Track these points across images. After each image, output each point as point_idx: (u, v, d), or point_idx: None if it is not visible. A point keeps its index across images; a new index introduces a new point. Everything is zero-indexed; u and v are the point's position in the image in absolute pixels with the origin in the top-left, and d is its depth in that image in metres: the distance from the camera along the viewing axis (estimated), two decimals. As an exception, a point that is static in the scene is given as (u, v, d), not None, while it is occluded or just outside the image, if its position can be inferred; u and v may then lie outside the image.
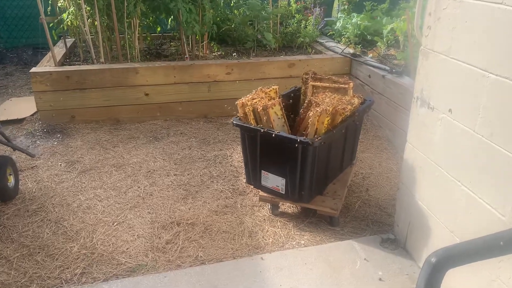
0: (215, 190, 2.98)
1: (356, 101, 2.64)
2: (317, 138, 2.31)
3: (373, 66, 3.95)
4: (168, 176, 3.15)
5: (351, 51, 4.50)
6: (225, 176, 3.15)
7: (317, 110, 2.35)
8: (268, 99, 2.71)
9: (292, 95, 3.01)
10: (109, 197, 2.87)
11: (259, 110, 2.49)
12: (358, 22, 4.77)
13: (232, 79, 4.12)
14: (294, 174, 2.45)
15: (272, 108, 2.51)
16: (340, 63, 4.31)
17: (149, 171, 3.21)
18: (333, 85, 2.80)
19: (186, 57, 4.33)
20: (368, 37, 4.93)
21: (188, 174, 3.17)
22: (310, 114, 2.38)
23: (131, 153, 3.48)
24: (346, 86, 2.76)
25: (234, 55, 4.33)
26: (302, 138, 2.30)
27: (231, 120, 2.57)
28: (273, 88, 2.78)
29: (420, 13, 2.08)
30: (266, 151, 2.52)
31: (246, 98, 2.60)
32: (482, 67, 1.67)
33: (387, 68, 3.82)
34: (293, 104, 2.96)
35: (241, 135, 2.63)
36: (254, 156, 2.58)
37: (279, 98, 2.79)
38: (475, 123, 1.73)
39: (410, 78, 3.65)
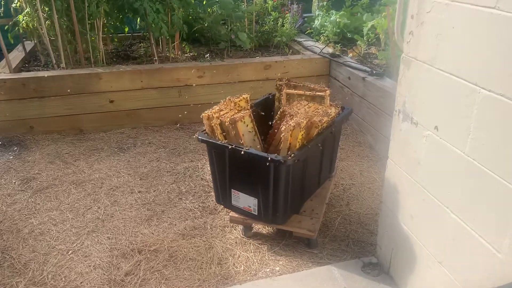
0: (183, 208, 2.73)
1: (333, 111, 2.41)
2: (290, 156, 2.08)
3: (353, 68, 3.73)
4: (132, 193, 2.89)
5: (331, 50, 4.27)
6: (195, 192, 2.90)
7: (290, 124, 2.12)
8: (238, 110, 2.46)
9: (265, 103, 2.77)
10: (65, 220, 2.60)
11: (226, 123, 2.25)
12: (337, 20, 4.54)
13: (204, 82, 3.86)
14: (267, 194, 2.21)
15: (242, 121, 2.27)
16: (319, 64, 4.08)
17: (112, 188, 2.94)
18: (309, 93, 2.57)
19: (155, 60, 4.05)
20: (348, 35, 4.71)
21: (154, 191, 2.92)
22: (283, 129, 2.15)
23: (93, 167, 3.21)
24: (323, 94, 2.54)
25: (207, 57, 4.07)
26: (273, 156, 2.07)
27: (196, 135, 2.32)
28: (243, 97, 2.54)
29: (400, 15, 1.87)
30: (235, 169, 2.28)
31: (213, 110, 2.35)
32: (472, 81, 1.45)
33: (367, 69, 3.60)
34: (266, 114, 2.72)
35: (208, 151, 2.39)
36: (223, 174, 2.33)
37: (250, 107, 2.55)
38: (465, 144, 1.52)
39: (392, 80, 3.44)
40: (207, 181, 3.02)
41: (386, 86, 3.27)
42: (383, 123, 3.28)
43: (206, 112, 2.33)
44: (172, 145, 3.55)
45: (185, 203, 2.78)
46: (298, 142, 2.15)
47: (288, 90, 2.63)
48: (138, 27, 4.68)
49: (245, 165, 2.21)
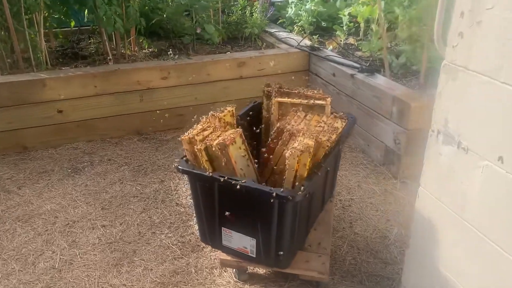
0: (158, 246, 2.25)
1: (339, 124, 2.00)
2: (299, 189, 1.65)
3: (338, 63, 3.34)
4: (93, 229, 2.37)
5: (308, 42, 3.85)
6: (170, 223, 2.43)
7: (297, 149, 1.69)
8: (224, 127, 2.01)
9: (251, 113, 2.32)
10: (10, 273, 2.07)
11: (214, 149, 1.79)
12: (312, 8, 4.12)
13: (170, 84, 3.35)
14: (269, 233, 1.79)
15: (233, 144, 1.81)
16: (297, 59, 3.66)
17: (68, 223, 2.41)
18: (306, 101, 2.14)
19: (109, 59, 3.48)
20: (323, 23, 4.31)
21: (120, 224, 2.41)
22: (287, 155, 1.71)
23: (43, 195, 2.65)
24: (323, 102, 2.12)
25: (170, 54, 3.54)
26: (278, 191, 1.64)
27: (175, 164, 1.84)
28: (229, 111, 2.08)
29: (443, 11, 1.47)
30: (227, 205, 1.83)
31: (194, 131, 1.88)
32: None
33: (355, 65, 3.22)
34: (253, 125, 2.28)
35: (190, 183, 1.92)
36: (211, 210, 1.88)
37: (237, 120, 2.10)
38: (551, 184, 1.15)
39: (385, 77, 3.08)
40: (183, 207, 2.55)
41: (380, 85, 2.90)
42: (377, 125, 2.92)
43: (186, 134, 1.85)
44: (136, 161, 3.04)
45: (160, 238, 2.30)
46: (306, 169, 1.73)
47: (280, 99, 2.19)
48: (86, 19, 4.05)
49: (240, 200, 1.77)
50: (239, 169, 1.83)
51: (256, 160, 2.09)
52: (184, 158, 1.88)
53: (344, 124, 2.01)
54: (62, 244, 2.26)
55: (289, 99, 2.17)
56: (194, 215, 2.09)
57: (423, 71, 3.04)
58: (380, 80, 2.99)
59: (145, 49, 3.91)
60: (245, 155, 1.90)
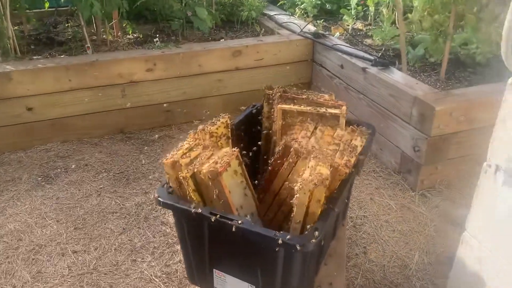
0: (139, 279, 1.90)
1: (358, 141, 1.63)
2: (311, 236, 1.29)
3: (347, 54, 2.94)
4: (63, 255, 2.02)
5: (312, 28, 3.44)
6: (154, 247, 2.07)
7: (308, 182, 1.32)
8: (216, 143, 1.64)
9: (249, 120, 1.95)
10: (-41, 318, 1.71)
11: (203, 178, 1.42)
12: (317, -11, 3.69)
13: (156, 77, 2.95)
14: (271, 282, 1.44)
15: (227, 171, 1.44)
16: (300, 47, 3.25)
17: (33, 248, 2.05)
18: (316, 110, 1.77)
19: (87, 47, 3.06)
20: (328, 6, 3.89)
21: (95, 249, 2.06)
22: (296, 188, 1.34)
23: (6, 211, 2.28)
24: (338, 111, 1.74)
25: (157, 41, 3.12)
26: (285, 237, 1.27)
27: (155, 195, 1.47)
28: (222, 122, 1.70)
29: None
30: (220, 246, 1.47)
31: (179, 151, 1.50)
32: None
33: (369, 57, 2.82)
34: (249, 135, 1.91)
35: (175, 217, 1.55)
36: (200, 250, 1.52)
37: (232, 131, 1.73)
38: None
39: (402, 71, 2.69)
40: (170, 226, 2.19)
41: (397, 82, 2.52)
42: (392, 128, 2.55)
43: (169, 156, 1.48)
44: (117, 166, 2.66)
45: (141, 268, 1.95)
46: (321, 205, 1.36)
47: (284, 105, 1.81)
48: (62, 0, 3.60)
49: (237, 242, 1.41)
50: (235, 202, 1.46)
51: (256, 181, 1.73)
52: (167, 185, 1.51)
53: (365, 141, 1.63)
54: (24, 276, 1.90)
55: (296, 107, 1.79)
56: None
57: (444, 65, 2.65)
58: (397, 76, 2.60)
59: (129, 34, 3.49)
60: (243, 181, 1.53)
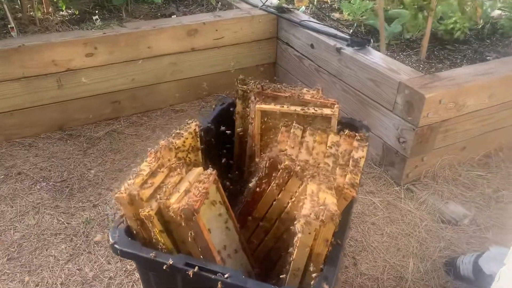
0: (94, 322, 1.56)
1: (359, 153, 1.34)
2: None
3: (318, 31, 2.62)
4: (-5, 298, 1.63)
5: (275, 1, 3.08)
6: (110, 277, 1.72)
7: (314, 218, 1.02)
8: (183, 158, 1.30)
9: (221, 122, 1.61)
10: None
11: (174, 217, 1.08)
12: (276, -44, 3.30)
13: (98, 63, 2.50)
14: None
15: (204, 203, 1.11)
16: (263, 24, 2.89)
17: (-46, 291, 1.65)
18: (302, 110, 1.46)
19: (11, 28, 2.54)
20: (288, -25, 3.51)
21: (35, 284, 1.68)
22: (298, 227, 1.04)
23: None
24: (329, 112, 1.44)
25: (97, 20, 2.65)
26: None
27: (109, 240, 1.12)
28: (190, 133, 1.36)
29: None
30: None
31: (138, 178, 1.15)
32: None
33: (342, 35, 2.52)
34: (221, 141, 1.59)
35: (138, 268, 1.22)
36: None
37: (201, 137, 1.39)
38: None
39: (381, 52, 2.43)
40: (127, 248, 1.84)
41: (377, 64, 2.25)
42: (372, 116, 2.30)
43: (124, 187, 1.12)
44: (58, 173, 2.24)
45: (96, 308, 1.61)
46: (328, 245, 1.07)
47: (263, 106, 1.48)
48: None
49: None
50: (216, 242, 1.14)
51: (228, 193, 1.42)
52: (123, 222, 1.17)
53: (365, 150, 1.35)
54: None
55: (278, 107, 1.47)
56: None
57: (425, 44, 2.41)
58: (376, 57, 2.33)
59: (62, 11, 2.97)
60: (223, 211, 1.21)
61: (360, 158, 1.29)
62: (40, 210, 2.01)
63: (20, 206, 2.03)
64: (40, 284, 1.68)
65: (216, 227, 1.16)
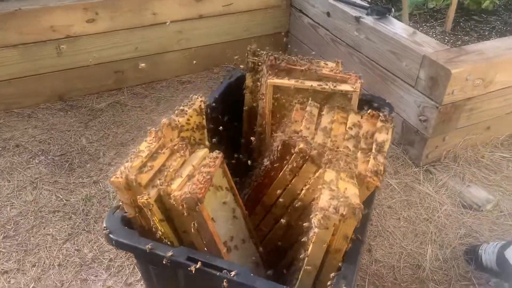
0: (93, 307, 1.48)
1: (383, 135, 1.20)
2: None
3: (335, -2, 2.44)
4: (-11, 278, 1.55)
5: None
6: (110, 259, 1.63)
7: (333, 212, 0.90)
8: (188, 138, 1.17)
9: (228, 96, 1.48)
10: None
11: (175, 204, 0.96)
12: None
13: (99, 29, 2.35)
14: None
15: (209, 190, 0.99)
16: (274, -12, 2.71)
17: None
18: (319, 85, 1.31)
19: (8, -10, 2.38)
20: None
21: (32, 265, 1.60)
22: (315, 221, 0.92)
23: None
24: (350, 88, 1.30)
25: (98, -18, 2.49)
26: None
27: (104, 229, 1.01)
28: (194, 110, 1.22)
29: None
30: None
31: (136, 160, 1.03)
32: None
33: (362, 3, 2.34)
34: (228, 114, 1.46)
35: (137, 261, 1.11)
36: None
37: (207, 113, 1.27)
38: None
39: (404, 22, 2.25)
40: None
41: (400, 36, 2.08)
42: (391, 91, 2.15)
43: (120, 170, 1.00)
44: (58, 146, 2.14)
45: (95, 291, 1.53)
46: (348, 241, 0.96)
47: (276, 80, 1.34)
48: None
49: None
50: (222, 233, 1.03)
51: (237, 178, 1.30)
52: (120, 208, 1.05)
53: (390, 132, 1.21)
54: None
55: (292, 82, 1.33)
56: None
57: (451, 15, 2.23)
58: (398, 28, 2.15)
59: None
60: (229, 198, 1.09)
61: (385, 142, 1.15)
62: (38, 185, 1.92)
63: (18, 181, 1.93)
64: (37, 264, 1.60)
65: (222, 216, 1.05)
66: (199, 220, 0.96)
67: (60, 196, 1.87)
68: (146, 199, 0.96)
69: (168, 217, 1.01)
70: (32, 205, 1.83)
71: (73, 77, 2.41)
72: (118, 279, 1.56)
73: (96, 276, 1.58)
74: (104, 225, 1.00)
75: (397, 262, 1.69)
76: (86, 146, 2.14)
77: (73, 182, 1.94)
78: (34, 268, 1.59)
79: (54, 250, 1.65)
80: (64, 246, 1.67)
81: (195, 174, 1.01)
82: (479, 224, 1.84)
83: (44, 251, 1.65)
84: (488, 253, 1.62)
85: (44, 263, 1.61)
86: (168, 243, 1.01)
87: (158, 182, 0.99)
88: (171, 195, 0.96)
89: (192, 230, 0.97)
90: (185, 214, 0.95)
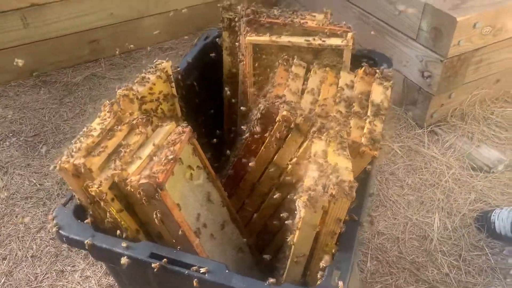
0: (69, 301, 1.35)
1: (380, 95, 1.02)
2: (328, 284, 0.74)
3: None
4: (-44, 276, 1.42)
5: None
6: (88, 248, 1.49)
7: (321, 193, 0.74)
8: (152, 110, 1.00)
9: (204, 60, 1.29)
10: None
11: (136, 193, 0.80)
12: None
13: (67, -4, 2.14)
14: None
15: (173, 174, 0.83)
16: None
17: None
18: (306, 41, 1.13)
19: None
20: None
21: (4, 259, 1.47)
22: (299, 203, 0.76)
23: None
24: (341, 43, 1.11)
25: None
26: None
27: (53, 226, 0.85)
28: (158, 76, 1.05)
29: None
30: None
31: (86, 140, 0.86)
32: None
33: (354, -51, 2.10)
34: (205, 84, 1.28)
35: (102, 262, 0.96)
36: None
37: (176, 80, 1.10)
38: None
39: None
40: (108, 212, 1.60)
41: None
42: (391, 45, 1.95)
43: (64, 157, 0.84)
44: (30, 126, 1.97)
45: (72, 283, 1.39)
46: (341, 225, 0.80)
47: (255, 37, 1.16)
48: None
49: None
50: (192, 222, 0.87)
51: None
52: (71, 199, 0.90)
53: (389, 92, 1.03)
54: None
55: (274, 38, 1.14)
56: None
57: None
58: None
59: None
60: (202, 179, 0.93)
61: (382, 103, 0.97)
62: (9, 170, 1.76)
63: (-13, 165, 1.78)
64: (8, 257, 1.47)
65: (193, 201, 0.89)
66: (162, 209, 0.80)
67: (34, 180, 1.72)
68: (98, 188, 0.80)
69: (128, 205, 0.86)
70: (3, 191, 1.68)
71: (44, 50, 2.21)
72: (97, 268, 1.43)
73: (73, 266, 1.44)
74: (53, 219, 0.85)
75: (401, 233, 1.55)
76: (61, 125, 1.98)
77: (47, 165, 1.78)
78: (5, 262, 1.45)
79: (27, 240, 1.52)
80: (38, 235, 1.53)
81: (157, 154, 0.85)
82: (490, 188, 1.68)
83: (16, 242, 1.51)
84: (501, 219, 1.48)
85: (16, 255, 1.47)
86: (130, 237, 0.85)
87: (113, 166, 0.83)
88: (128, 181, 0.80)
89: (156, 221, 0.81)
90: (145, 203, 0.79)
